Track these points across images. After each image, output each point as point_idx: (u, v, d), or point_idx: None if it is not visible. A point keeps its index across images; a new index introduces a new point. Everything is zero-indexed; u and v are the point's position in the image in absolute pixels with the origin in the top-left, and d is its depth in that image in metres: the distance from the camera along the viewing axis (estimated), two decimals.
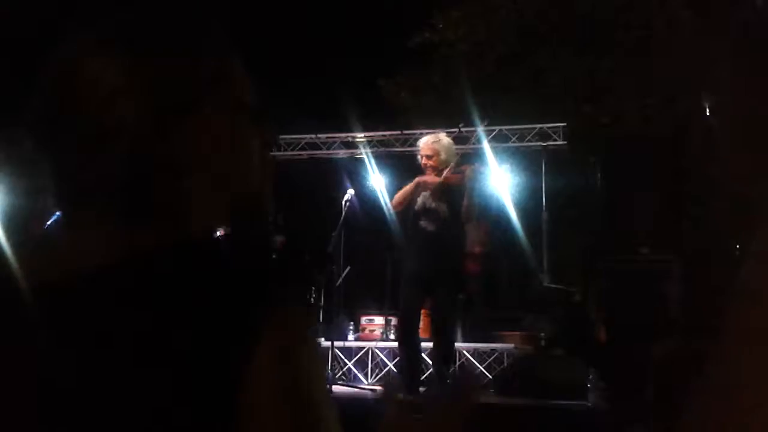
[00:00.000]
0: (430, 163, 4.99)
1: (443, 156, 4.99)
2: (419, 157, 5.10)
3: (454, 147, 5.28)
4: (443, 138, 5.15)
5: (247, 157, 0.82)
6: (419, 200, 4.98)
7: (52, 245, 0.80)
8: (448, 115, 8.73)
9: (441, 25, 10.43)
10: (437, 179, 4.93)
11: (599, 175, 6.98)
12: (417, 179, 5.02)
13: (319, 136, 8.45)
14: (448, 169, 4.96)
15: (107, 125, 0.74)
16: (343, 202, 5.41)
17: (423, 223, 4.93)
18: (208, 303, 0.70)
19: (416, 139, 5.85)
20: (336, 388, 5.23)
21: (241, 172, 0.81)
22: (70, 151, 0.76)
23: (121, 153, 0.74)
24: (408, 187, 5.03)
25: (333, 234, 5.39)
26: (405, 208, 5.00)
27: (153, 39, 0.78)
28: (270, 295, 0.72)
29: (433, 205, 4.93)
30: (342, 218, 5.38)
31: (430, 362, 5.07)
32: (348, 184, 6.39)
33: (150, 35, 0.78)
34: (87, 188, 0.76)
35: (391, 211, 5.06)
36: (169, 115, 0.75)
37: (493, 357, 5.93)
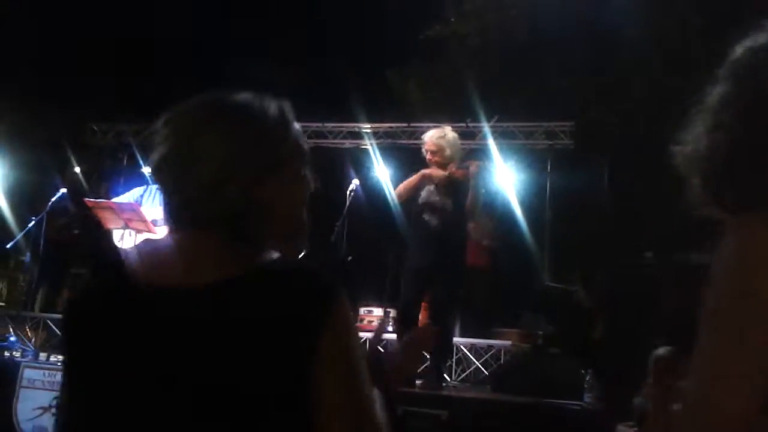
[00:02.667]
0: (435, 158, 4.97)
1: (448, 152, 4.97)
2: (424, 151, 5.08)
3: (460, 142, 5.26)
4: (448, 133, 5.12)
5: (305, 199, 1.17)
6: (423, 194, 4.97)
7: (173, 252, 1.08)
8: (455, 109, 8.69)
9: (453, 19, 10.38)
10: (443, 172, 4.91)
11: (606, 176, 6.97)
12: (422, 172, 5.00)
13: (326, 125, 8.42)
14: (452, 165, 4.95)
15: (221, 177, 1.05)
16: (348, 192, 5.40)
17: (426, 216, 4.92)
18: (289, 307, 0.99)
19: (423, 132, 5.82)
20: None
21: (302, 209, 1.16)
22: (194, 188, 1.07)
23: (233, 195, 1.05)
24: (413, 179, 5.01)
25: (336, 224, 5.38)
26: (409, 200, 4.99)
27: (254, 118, 1.11)
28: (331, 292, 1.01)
29: (437, 199, 4.92)
30: (346, 208, 5.37)
31: (427, 355, 5.07)
32: (353, 174, 6.39)
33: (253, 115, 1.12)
34: (209, 216, 1.06)
35: (395, 202, 5.05)
36: (265, 171, 1.08)
37: (490, 353, 5.93)
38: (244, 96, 1.13)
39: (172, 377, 0.99)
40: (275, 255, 1.08)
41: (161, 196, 1.12)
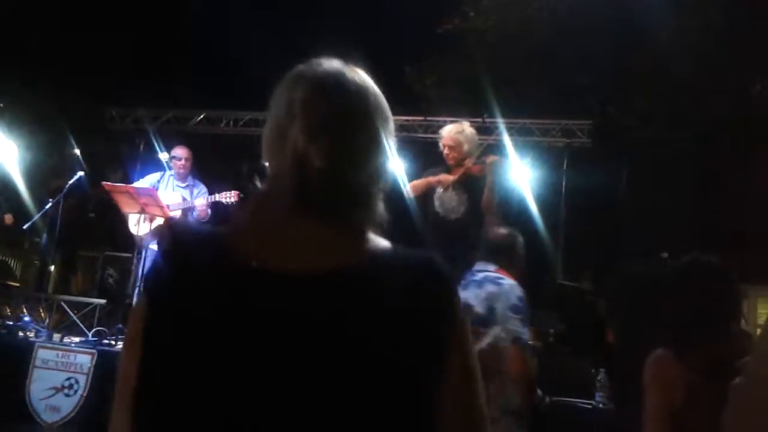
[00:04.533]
0: (452, 154, 4.95)
1: (466, 147, 4.95)
2: (441, 146, 5.06)
3: (477, 138, 5.23)
4: (466, 128, 5.09)
5: None
6: (439, 189, 4.95)
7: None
8: (472, 104, 8.66)
9: (472, 13, 10.33)
10: (451, 177, 4.90)
11: (623, 176, 6.93)
12: (429, 179, 4.99)
13: None
14: (469, 160, 4.93)
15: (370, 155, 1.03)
16: None
17: (442, 211, 4.91)
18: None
19: (439, 127, 5.80)
20: None
21: None
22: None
23: (373, 175, 1.03)
24: (422, 183, 5.01)
25: None
26: (424, 194, 4.98)
27: None
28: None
29: (453, 194, 4.91)
30: None
31: None
32: None
33: None
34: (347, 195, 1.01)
35: (410, 196, 5.04)
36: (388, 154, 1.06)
37: None
38: (362, 73, 1.08)
39: (297, 368, 0.89)
40: (383, 241, 1.02)
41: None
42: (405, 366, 0.90)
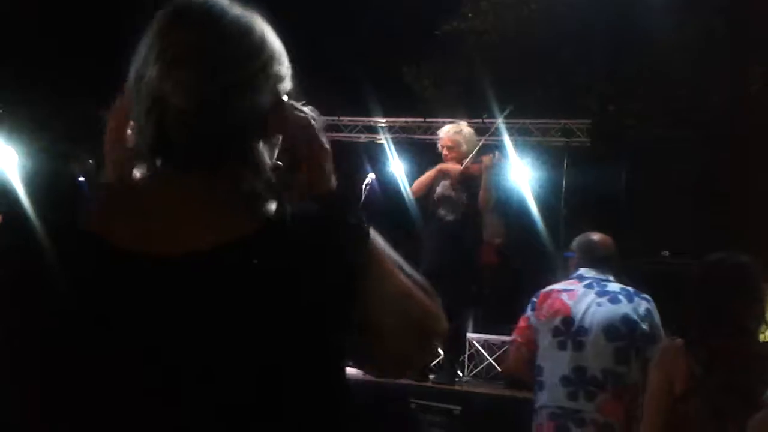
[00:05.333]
0: (451, 154, 4.97)
1: (464, 147, 4.97)
2: (440, 147, 5.08)
3: (476, 137, 5.25)
4: (464, 128, 5.12)
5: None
6: (439, 189, 4.97)
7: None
8: (471, 105, 8.66)
9: (470, 14, 10.34)
10: (459, 167, 4.91)
11: (622, 175, 6.92)
12: (439, 166, 5.01)
13: (342, 119, 8.40)
14: (468, 159, 4.95)
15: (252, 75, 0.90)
16: (363, 186, 5.39)
17: (442, 212, 4.92)
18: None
19: (438, 128, 5.81)
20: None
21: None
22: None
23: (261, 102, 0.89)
24: (430, 173, 5.01)
25: None
26: (424, 195, 4.99)
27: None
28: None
29: (453, 194, 4.92)
30: (361, 202, 5.37)
31: (441, 351, 5.08)
32: (369, 168, 6.38)
33: None
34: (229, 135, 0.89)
35: (411, 197, 5.06)
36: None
37: (503, 349, 5.91)
38: (247, 10, 0.92)
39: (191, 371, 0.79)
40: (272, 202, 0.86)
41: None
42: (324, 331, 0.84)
